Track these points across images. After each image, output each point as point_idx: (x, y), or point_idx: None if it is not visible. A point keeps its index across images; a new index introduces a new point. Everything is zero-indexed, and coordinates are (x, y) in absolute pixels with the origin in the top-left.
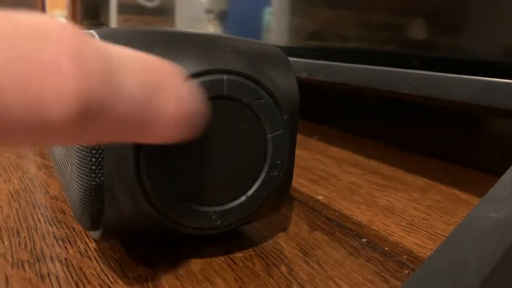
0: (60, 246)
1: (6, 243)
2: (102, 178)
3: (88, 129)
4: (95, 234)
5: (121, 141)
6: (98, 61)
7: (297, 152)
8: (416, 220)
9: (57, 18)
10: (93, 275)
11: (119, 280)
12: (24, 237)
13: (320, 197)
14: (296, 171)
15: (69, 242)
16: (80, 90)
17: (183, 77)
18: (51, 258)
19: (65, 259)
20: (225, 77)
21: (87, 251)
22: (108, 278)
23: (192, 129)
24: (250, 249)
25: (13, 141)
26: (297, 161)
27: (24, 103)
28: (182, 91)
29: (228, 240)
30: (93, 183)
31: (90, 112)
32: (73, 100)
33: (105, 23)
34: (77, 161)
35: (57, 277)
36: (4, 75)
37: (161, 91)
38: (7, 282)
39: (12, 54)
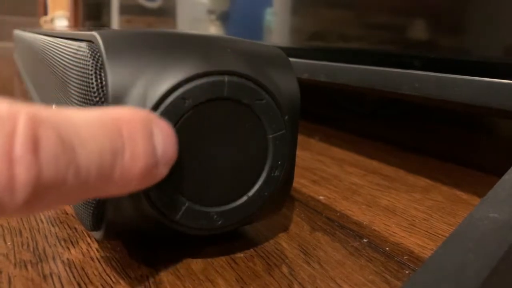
0: (62, 247)
1: (9, 243)
2: None
3: (44, 201)
4: (97, 234)
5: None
6: (53, 144)
7: (298, 152)
8: (417, 221)
9: (7, 101)
10: (95, 275)
11: (121, 280)
12: (27, 237)
13: (321, 197)
14: (297, 171)
15: (71, 242)
16: (31, 178)
17: (148, 119)
18: (54, 258)
19: (68, 259)
20: (226, 78)
21: (89, 252)
22: (110, 278)
23: (163, 170)
24: (251, 250)
25: None
26: (298, 161)
27: None
28: (148, 142)
29: (229, 240)
30: None
31: (44, 193)
32: (24, 188)
33: (107, 24)
34: None
35: (59, 277)
36: None
37: (124, 151)
38: (9, 282)
39: None
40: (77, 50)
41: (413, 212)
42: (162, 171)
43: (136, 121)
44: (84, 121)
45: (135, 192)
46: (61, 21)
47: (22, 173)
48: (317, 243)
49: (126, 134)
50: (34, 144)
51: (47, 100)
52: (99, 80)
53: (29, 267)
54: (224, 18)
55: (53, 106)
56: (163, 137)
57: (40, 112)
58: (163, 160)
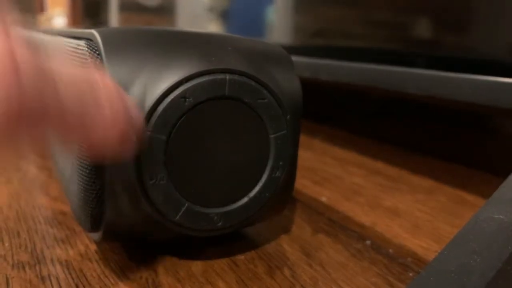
0: (60, 248)
1: (7, 244)
2: (102, 179)
3: (24, 130)
4: (96, 235)
5: (64, 139)
6: (35, 70)
7: (300, 152)
8: (420, 222)
9: None
10: (93, 277)
11: (119, 282)
12: (25, 238)
13: (323, 198)
14: (299, 172)
15: (70, 243)
16: (13, 96)
17: (118, 95)
18: (52, 259)
19: (66, 260)
20: (227, 77)
21: (87, 253)
22: (109, 280)
23: (128, 146)
24: (252, 251)
25: None
26: (300, 162)
27: None
28: (126, 105)
29: (230, 242)
30: (94, 184)
31: (24, 119)
32: (4, 103)
33: (106, 22)
34: (77, 161)
35: (57, 279)
36: None
37: (105, 108)
38: (7, 284)
39: None
40: (76, 48)
41: (416, 213)
42: (133, 144)
43: (112, 86)
44: (65, 68)
45: (134, 192)
46: (59, 19)
47: (2, 90)
48: (319, 245)
49: (104, 93)
50: (13, 63)
51: None
52: None
53: (27, 268)
54: (224, 15)
55: None
56: (134, 108)
57: (17, 37)
58: (134, 130)
